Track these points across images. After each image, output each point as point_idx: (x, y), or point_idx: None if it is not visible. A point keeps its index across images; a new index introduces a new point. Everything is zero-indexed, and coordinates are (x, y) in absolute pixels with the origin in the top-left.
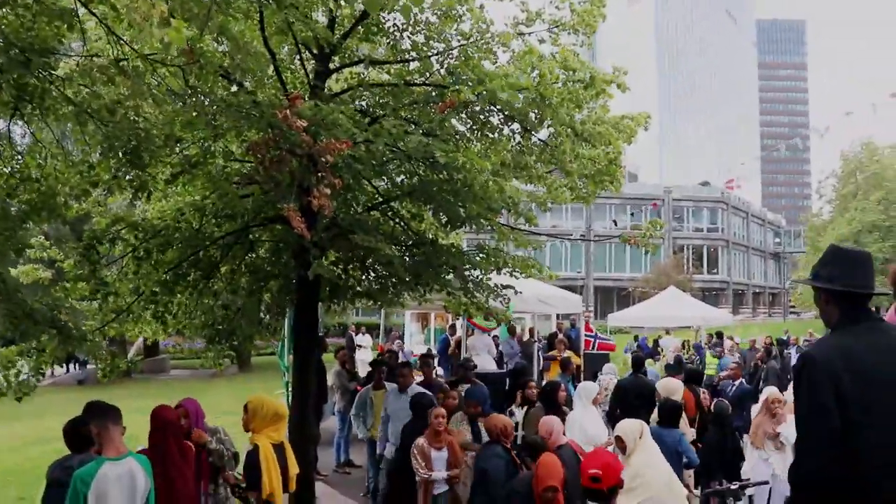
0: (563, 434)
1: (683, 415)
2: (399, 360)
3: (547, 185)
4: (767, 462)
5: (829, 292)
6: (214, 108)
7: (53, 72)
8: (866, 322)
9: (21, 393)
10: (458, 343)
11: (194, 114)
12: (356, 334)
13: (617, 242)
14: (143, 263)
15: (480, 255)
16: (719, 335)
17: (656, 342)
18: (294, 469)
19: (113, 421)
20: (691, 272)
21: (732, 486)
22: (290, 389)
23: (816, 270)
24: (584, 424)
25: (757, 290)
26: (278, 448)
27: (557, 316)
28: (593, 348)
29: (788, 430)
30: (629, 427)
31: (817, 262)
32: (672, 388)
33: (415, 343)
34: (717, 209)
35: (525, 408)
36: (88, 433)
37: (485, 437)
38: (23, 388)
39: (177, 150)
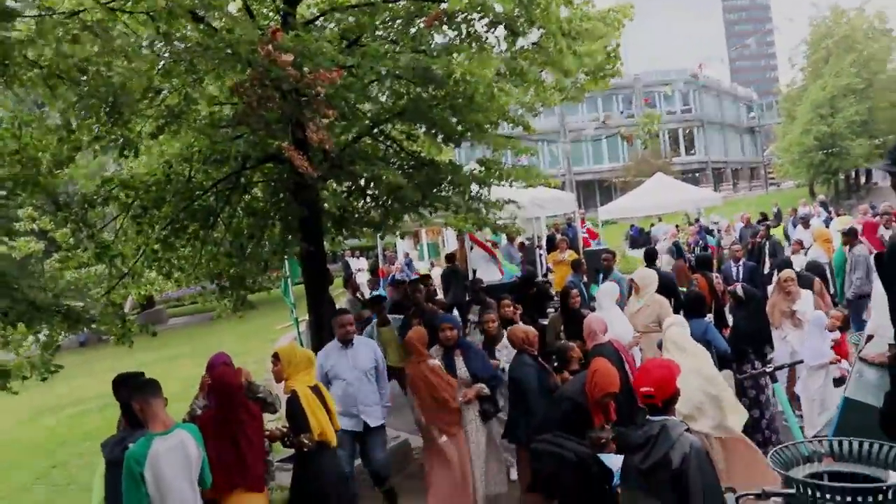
0: (605, 332)
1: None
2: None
3: (535, 88)
4: (786, 340)
5: None
6: (191, 53)
7: (8, 35)
8: None
9: (46, 373)
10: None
11: (171, 62)
12: (351, 258)
13: (599, 137)
14: (141, 222)
15: (479, 168)
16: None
17: (647, 232)
18: (334, 406)
19: (153, 394)
20: (669, 156)
21: (768, 369)
22: (298, 324)
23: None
24: (610, 324)
25: (736, 167)
26: (314, 390)
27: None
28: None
29: (804, 306)
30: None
31: (893, 148)
32: (647, 277)
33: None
34: (689, 90)
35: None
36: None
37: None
38: (46, 367)
39: (157, 101)
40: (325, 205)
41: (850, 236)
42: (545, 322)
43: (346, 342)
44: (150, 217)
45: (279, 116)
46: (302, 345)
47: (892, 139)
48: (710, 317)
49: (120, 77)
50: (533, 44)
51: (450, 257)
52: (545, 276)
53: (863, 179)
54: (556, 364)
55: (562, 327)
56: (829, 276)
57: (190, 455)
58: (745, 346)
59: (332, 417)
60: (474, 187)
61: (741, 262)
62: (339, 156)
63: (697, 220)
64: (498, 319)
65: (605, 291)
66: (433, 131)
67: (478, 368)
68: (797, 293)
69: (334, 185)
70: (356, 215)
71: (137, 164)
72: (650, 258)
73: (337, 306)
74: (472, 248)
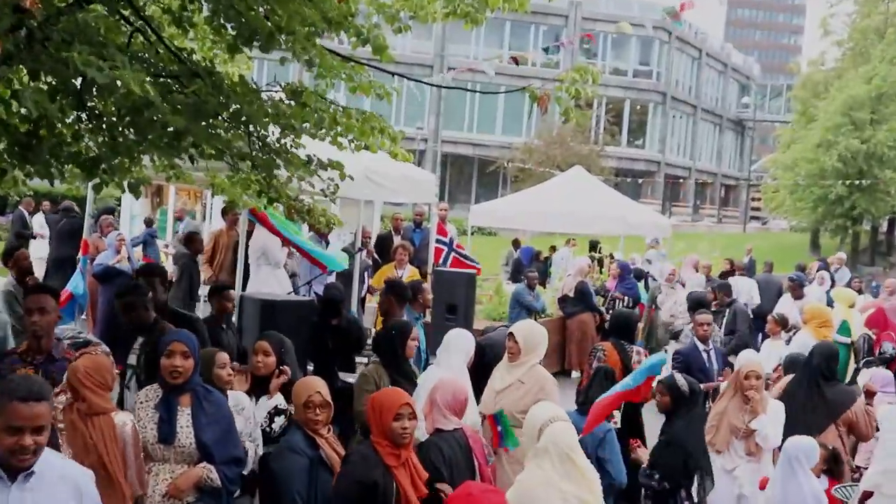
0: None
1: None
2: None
3: None
4: (732, 475)
5: None
6: None
7: None
8: None
9: None
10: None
11: None
12: (31, 214)
13: (487, 91)
14: None
15: (290, 98)
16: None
17: (546, 258)
18: None
19: None
20: (603, 142)
21: None
22: None
23: None
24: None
25: (704, 179)
26: None
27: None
28: (445, 262)
29: (769, 424)
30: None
31: None
32: (534, 336)
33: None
34: (654, 40)
35: None
36: None
37: None
38: None
39: None
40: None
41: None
42: (351, 379)
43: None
44: None
45: None
46: None
47: None
48: (616, 417)
49: None
50: None
51: (189, 238)
52: (361, 301)
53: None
54: None
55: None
56: None
57: None
58: (668, 479)
59: None
60: (273, 130)
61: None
62: (42, 27)
63: (622, 259)
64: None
65: (456, 340)
66: (222, 20)
67: (210, 437)
68: (761, 402)
69: (26, 77)
70: (58, 138)
71: None
72: (583, 296)
73: None
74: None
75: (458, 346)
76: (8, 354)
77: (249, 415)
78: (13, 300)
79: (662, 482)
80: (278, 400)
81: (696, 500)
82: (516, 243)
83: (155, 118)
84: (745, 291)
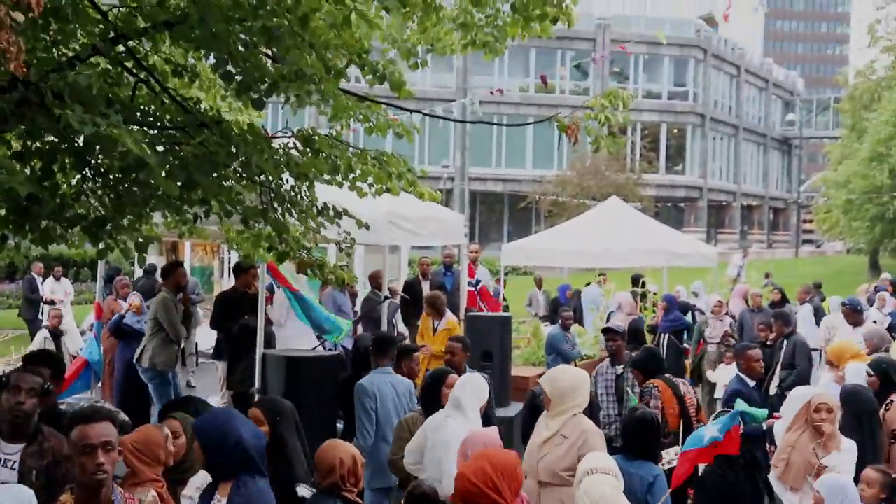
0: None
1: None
2: None
3: (422, 18)
4: None
5: None
6: None
7: None
8: None
9: None
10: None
11: None
12: (42, 279)
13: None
14: None
15: (303, 147)
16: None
17: (575, 292)
18: None
19: None
20: (640, 168)
21: None
22: None
23: None
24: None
25: (750, 203)
26: None
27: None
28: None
29: (842, 460)
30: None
31: None
32: (566, 384)
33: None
34: (688, 59)
35: None
36: None
37: None
38: None
39: None
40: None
41: None
42: None
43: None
44: None
45: None
46: None
47: None
48: (669, 456)
49: None
50: None
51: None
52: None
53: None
54: None
55: None
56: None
57: None
58: None
59: None
60: (287, 179)
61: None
62: (38, 85)
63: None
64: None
65: (466, 386)
66: (228, 68)
67: None
68: (834, 437)
69: (24, 136)
70: (57, 199)
71: None
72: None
73: None
74: (272, 290)
75: (475, 390)
76: None
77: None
78: (171, 306)
79: None
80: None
81: None
82: (539, 282)
83: (153, 179)
84: (802, 321)
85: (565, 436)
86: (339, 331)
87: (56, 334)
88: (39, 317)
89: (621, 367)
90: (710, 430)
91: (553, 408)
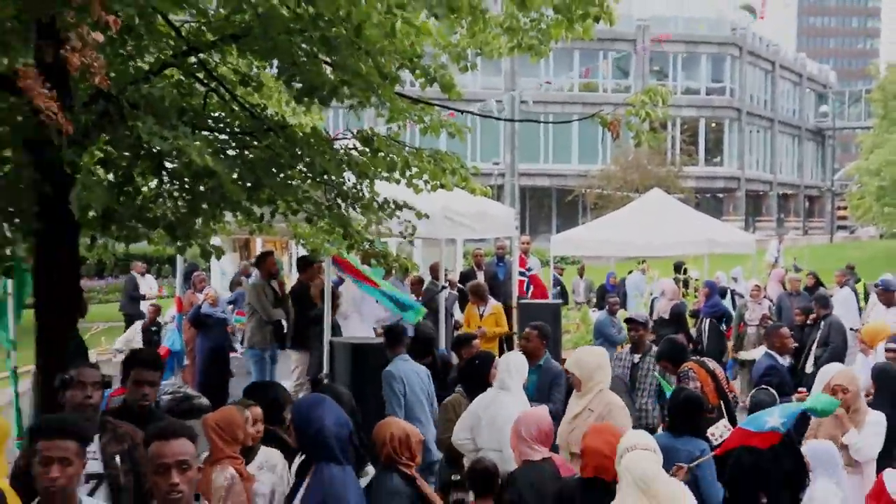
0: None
1: None
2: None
3: (471, 23)
4: (837, 487)
5: None
6: None
7: None
8: None
9: None
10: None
11: None
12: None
13: (560, 120)
14: None
15: (363, 148)
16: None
17: (620, 281)
18: None
19: None
20: (680, 162)
21: None
22: (17, 378)
23: None
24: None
25: (786, 192)
26: None
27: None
28: (528, 292)
29: (861, 437)
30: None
31: None
32: (590, 362)
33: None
34: (725, 56)
35: None
36: None
37: None
38: None
39: None
40: (85, 176)
41: None
42: None
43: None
44: None
45: (16, 11)
46: (19, 412)
47: None
48: (720, 430)
49: None
50: None
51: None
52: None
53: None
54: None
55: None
56: None
57: None
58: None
59: None
60: (348, 177)
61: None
62: (117, 98)
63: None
64: None
65: (510, 365)
66: (290, 74)
67: None
68: (857, 414)
69: (107, 147)
70: (138, 204)
71: None
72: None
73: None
74: (341, 283)
75: (519, 368)
76: None
77: (283, 473)
78: (261, 291)
79: None
80: None
81: None
82: (581, 271)
83: (223, 186)
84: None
85: (592, 409)
86: (419, 311)
87: (154, 326)
88: (142, 310)
89: (639, 355)
90: (773, 419)
91: (583, 387)
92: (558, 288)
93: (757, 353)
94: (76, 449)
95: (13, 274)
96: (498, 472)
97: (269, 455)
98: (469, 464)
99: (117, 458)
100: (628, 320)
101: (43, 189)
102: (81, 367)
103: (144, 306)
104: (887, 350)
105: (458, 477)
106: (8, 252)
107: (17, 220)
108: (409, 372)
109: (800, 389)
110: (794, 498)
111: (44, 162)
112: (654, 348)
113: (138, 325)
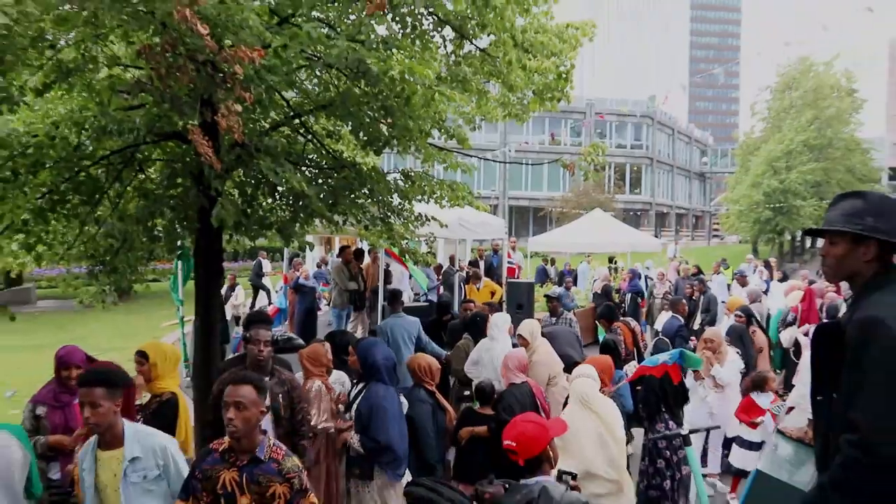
0: (524, 370)
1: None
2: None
3: (478, 99)
4: (705, 401)
5: (884, 245)
6: (95, 2)
7: None
8: None
9: None
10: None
11: (68, 7)
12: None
13: (535, 162)
14: (9, 187)
15: (405, 180)
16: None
17: (572, 269)
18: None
19: None
20: (613, 192)
21: (683, 431)
22: (184, 324)
23: (873, 223)
24: (495, 356)
25: (680, 212)
26: None
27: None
28: (516, 276)
29: (722, 371)
30: (528, 324)
31: (866, 210)
32: (533, 328)
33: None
34: (643, 125)
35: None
36: None
37: None
38: None
39: (48, 54)
40: (224, 198)
41: None
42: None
43: (259, 369)
44: (23, 182)
45: (189, 91)
46: (185, 348)
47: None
48: (627, 369)
49: (4, 18)
50: (481, 50)
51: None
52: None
53: (808, 243)
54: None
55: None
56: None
57: (12, 459)
58: (657, 406)
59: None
60: (395, 199)
61: (671, 316)
62: (248, 146)
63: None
64: None
65: (496, 321)
66: (359, 130)
67: (374, 429)
68: (721, 356)
69: (242, 176)
70: (260, 214)
71: (17, 120)
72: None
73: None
74: (387, 266)
75: (503, 324)
76: (209, 452)
77: (347, 386)
78: (340, 271)
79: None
80: None
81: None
82: (545, 261)
83: (311, 203)
84: (716, 284)
85: (536, 361)
86: (422, 285)
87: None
88: (265, 283)
89: (555, 318)
90: (664, 358)
91: (530, 344)
92: (544, 272)
93: (662, 318)
94: (103, 394)
95: (182, 257)
96: (494, 389)
97: (339, 375)
98: (475, 384)
99: (280, 396)
100: (546, 296)
101: (201, 203)
102: (256, 327)
103: (267, 281)
104: (736, 315)
105: (468, 392)
106: (179, 243)
107: (185, 223)
108: (395, 325)
109: (691, 338)
110: (679, 406)
111: (202, 186)
112: (567, 313)
113: (264, 296)
